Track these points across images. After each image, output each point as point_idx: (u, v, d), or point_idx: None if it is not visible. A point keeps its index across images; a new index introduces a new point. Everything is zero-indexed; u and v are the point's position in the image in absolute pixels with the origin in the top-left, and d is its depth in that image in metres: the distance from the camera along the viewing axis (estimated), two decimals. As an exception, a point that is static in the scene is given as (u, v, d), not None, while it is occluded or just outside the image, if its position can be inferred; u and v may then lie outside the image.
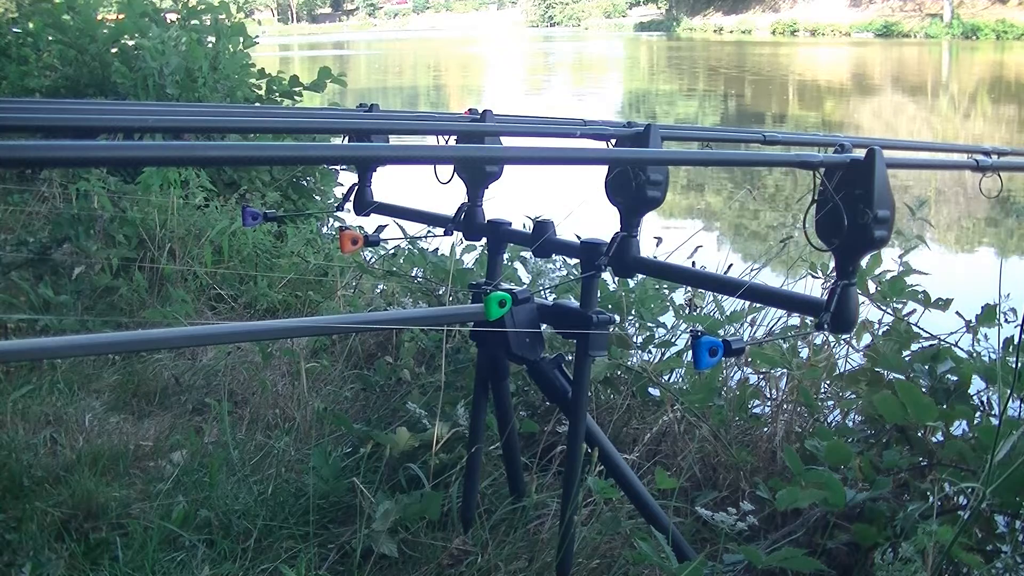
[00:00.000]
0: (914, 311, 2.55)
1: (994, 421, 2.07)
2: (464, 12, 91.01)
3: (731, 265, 2.94)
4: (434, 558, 2.10)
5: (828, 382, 2.62)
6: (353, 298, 3.79)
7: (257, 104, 5.47)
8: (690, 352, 1.85)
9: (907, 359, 2.36)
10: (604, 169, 1.70)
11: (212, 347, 3.36)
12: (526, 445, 2.46)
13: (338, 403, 2.98)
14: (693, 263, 2.78)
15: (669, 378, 2.74)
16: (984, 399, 2.28)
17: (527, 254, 3.00)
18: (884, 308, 2.53)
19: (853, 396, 2.50)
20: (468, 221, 2.00)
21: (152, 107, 2.72)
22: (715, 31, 55.28)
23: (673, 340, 2.77)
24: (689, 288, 2.81)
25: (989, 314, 2.42)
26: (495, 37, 47.21)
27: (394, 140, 1.84)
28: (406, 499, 2.14)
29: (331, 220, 5.27)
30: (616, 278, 2.63)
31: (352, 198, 2.18)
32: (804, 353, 2.60)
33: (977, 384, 2.28)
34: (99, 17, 5.94)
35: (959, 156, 2.10)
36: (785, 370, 2.53)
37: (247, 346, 3.31)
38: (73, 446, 2.73)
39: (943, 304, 2.54)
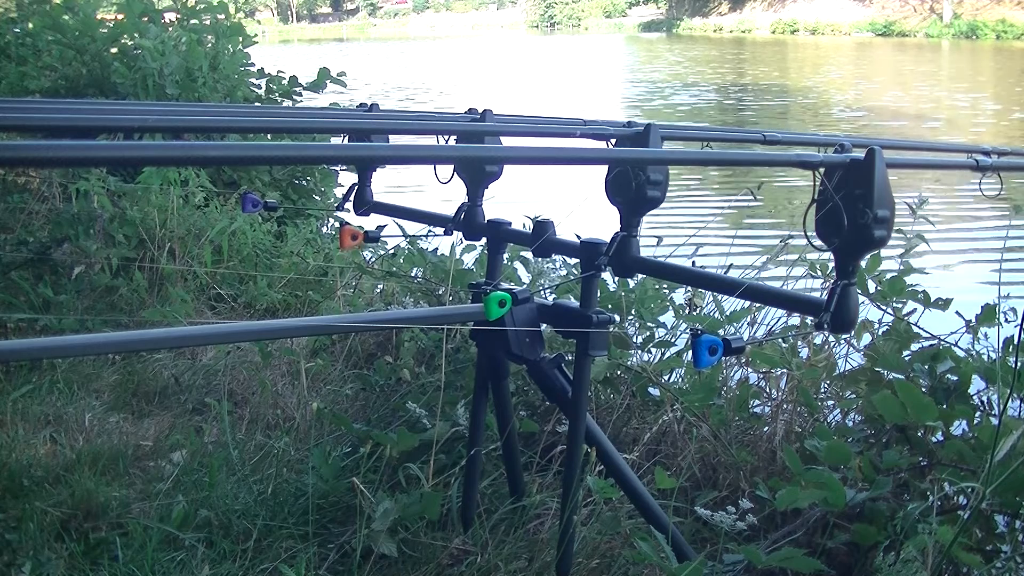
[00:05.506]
0: (914, 311, 2.55)
1: (994, 421, 2.07)
2: (464, 12, 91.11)
3: (730, 265, 2.93)
4: (434, 558, 2.10)
5: (828, 382, 2.62)
6: (353, 298, 3.79)
7: (257, 104, 5.47)
8: (690, 351, 1.85)
9: (907, 359, 2.35)
10: (604, 169, 1.70)
11: (212, 347, 3.36)
12: (526, 445, 2.45)
13: (338, 403, 2.97)
14: (693, 263, 2.78)
15: (669, 378, 2.73)
16: (984, 399, 2.27)
17: (527, 254, 3.00)
18: (884, 308, 2.53)
19: (853, 396, 2.49)
20: (468, 221, 2.00)
21: (152, 107, 2.72)
22: (714, 30, 55.20)
23: (673, 340, 2.76)
24: (689, 288, 2.81)
25: (989, 314, 2.42)
26: (502, 52, 43.90)
27: (394, 140, 1.84)
28: (406, 499, 2.14)
29: (330, 220, 5.27)
30: (616, 278, 2.63)
31: (352, 198, 2.18)
32: (804, 353, 2.59)
33: (977, 384, 2.27)
34: (98, 17, 5.93)
35: (959, 156, 2.09)
36: (785, 370, 2.52)
37: (247, 346, 3.30)
38: (73, 446, 2.73)
39: (943, 304, 2.53)
